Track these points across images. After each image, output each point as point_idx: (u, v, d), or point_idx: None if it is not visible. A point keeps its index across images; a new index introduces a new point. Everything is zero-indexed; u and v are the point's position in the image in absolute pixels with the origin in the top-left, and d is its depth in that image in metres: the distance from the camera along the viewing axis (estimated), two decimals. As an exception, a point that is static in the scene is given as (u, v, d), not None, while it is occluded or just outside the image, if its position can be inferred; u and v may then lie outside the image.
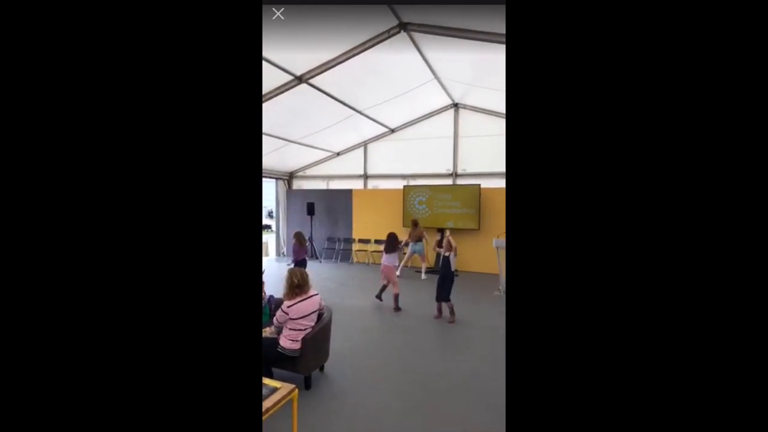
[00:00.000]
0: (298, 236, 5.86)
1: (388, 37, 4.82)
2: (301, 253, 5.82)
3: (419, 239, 7.14)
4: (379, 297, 5.23)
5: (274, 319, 2.83)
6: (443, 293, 4.45)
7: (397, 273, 5.63)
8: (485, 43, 4.39)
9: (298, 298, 2.79)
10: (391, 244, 5.18)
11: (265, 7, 3.70)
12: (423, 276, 7.11)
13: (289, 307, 2.75)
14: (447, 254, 4.40)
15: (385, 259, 5.12)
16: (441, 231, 4.50)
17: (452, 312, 4.47)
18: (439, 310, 4.58)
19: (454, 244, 4.43)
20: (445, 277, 4.44)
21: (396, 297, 4.98)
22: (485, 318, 4.59)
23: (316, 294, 2.92)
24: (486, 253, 7.10)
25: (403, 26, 4.70)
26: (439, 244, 4.89)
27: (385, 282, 5.19)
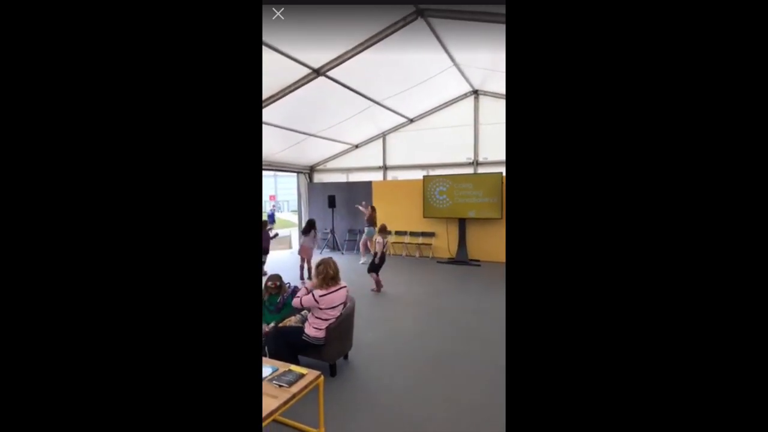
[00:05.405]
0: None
1: (405, 25, 4.76)
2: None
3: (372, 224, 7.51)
4: (302, 277, 6.10)
5: (299, 301, 2.88)
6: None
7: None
8: (504, 25, 4.26)
9: (332, 289, 2.86)
10: (309, 227, 6.28)
11: (265, 7, 3.71)
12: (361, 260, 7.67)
13: (321, 296, 2.81)
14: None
15: (303, 241, 6.28)
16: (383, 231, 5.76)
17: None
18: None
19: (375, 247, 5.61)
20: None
21: (310, 271, 5.91)
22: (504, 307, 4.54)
23: (345, 286, 2.98)
24: (509, 243, 6.98)
25: (420, 12, 4.62)
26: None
27: (302, 262, 6.24)
